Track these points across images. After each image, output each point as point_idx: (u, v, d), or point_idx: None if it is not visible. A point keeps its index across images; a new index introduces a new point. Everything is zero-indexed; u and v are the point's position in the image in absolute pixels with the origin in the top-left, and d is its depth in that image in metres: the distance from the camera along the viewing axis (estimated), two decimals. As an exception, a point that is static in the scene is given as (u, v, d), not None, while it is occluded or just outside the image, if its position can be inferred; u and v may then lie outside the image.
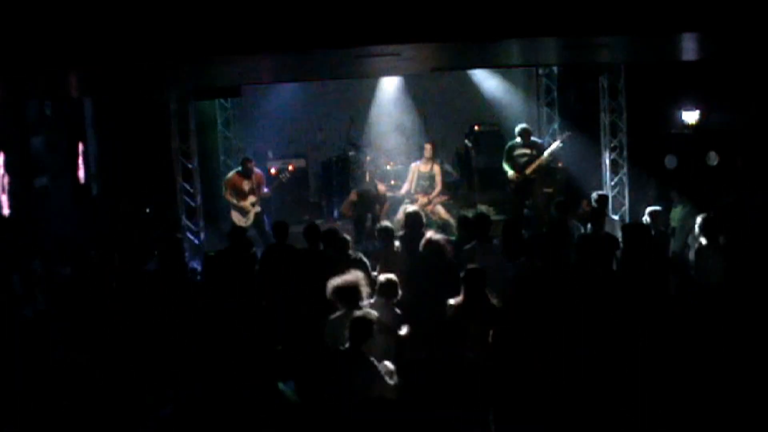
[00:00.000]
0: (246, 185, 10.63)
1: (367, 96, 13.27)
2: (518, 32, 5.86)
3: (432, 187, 10.79)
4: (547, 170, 11.32)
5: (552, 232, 7.78)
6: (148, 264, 8.10)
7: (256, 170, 10.87)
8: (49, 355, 6.35)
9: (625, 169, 11.22)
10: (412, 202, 10.55)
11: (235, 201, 10.64)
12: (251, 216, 10.62)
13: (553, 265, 6.27)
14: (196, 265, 9.77)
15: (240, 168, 10.89)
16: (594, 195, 9.20)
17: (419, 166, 10.88)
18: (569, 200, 9.16)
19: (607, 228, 8.21)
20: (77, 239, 9.47)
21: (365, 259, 7.28)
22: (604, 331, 5.53)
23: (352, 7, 5.50)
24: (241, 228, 9.23)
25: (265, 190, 10.93)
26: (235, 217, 10.65)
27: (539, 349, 5.05)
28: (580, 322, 5.54)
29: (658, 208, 8.41)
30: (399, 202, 11.02)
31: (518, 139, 10.58)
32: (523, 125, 10.81)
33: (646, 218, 8.24)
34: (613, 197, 11.03)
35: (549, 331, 5.31)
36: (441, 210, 10.76)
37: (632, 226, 7.77)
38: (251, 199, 10.63)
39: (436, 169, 10.85)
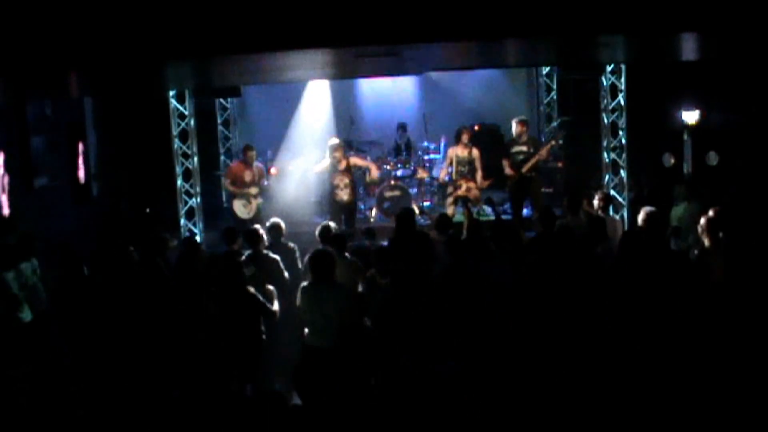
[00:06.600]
0: (247, 175, 10.42)
1: (366, 95, 13.28)
2: (518, 32, 5.85)
3: (472, 172, 10.43)
4: (546, 170, 11.31)
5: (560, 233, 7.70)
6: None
7: (257, 163, 10.72)
8: (47, 355, 6.35)
9: (625, 169, 11.21)
10: (455, 189, 10.37)
11: (237, 189, 10.43)
12: (253, 207, 10.42)
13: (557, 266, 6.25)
14: None
15: (241, 158, 10.74)
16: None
17: (456, 151, 10.46)
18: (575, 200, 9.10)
19: (608, 228, 8.18)
20: (77, 239, 9.46)
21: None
22: (607, 332, 5.54)
23: (352, 6, 5.50)
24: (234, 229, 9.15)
25: (265, 183, 10.75)
26: (237, 207, 10.43)
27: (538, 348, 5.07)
28: (582, 324, 5.55)
29: (652, 208, 8.23)
30: (439, 189, 10.74)
31: (514, 135, 10.45)
32: (519, 117, 10.71)
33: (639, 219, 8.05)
34: (613, 197, 11.02)
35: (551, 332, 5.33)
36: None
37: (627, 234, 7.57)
38: (253, 190, 10.43)
39: (476, 153, 10.47)
